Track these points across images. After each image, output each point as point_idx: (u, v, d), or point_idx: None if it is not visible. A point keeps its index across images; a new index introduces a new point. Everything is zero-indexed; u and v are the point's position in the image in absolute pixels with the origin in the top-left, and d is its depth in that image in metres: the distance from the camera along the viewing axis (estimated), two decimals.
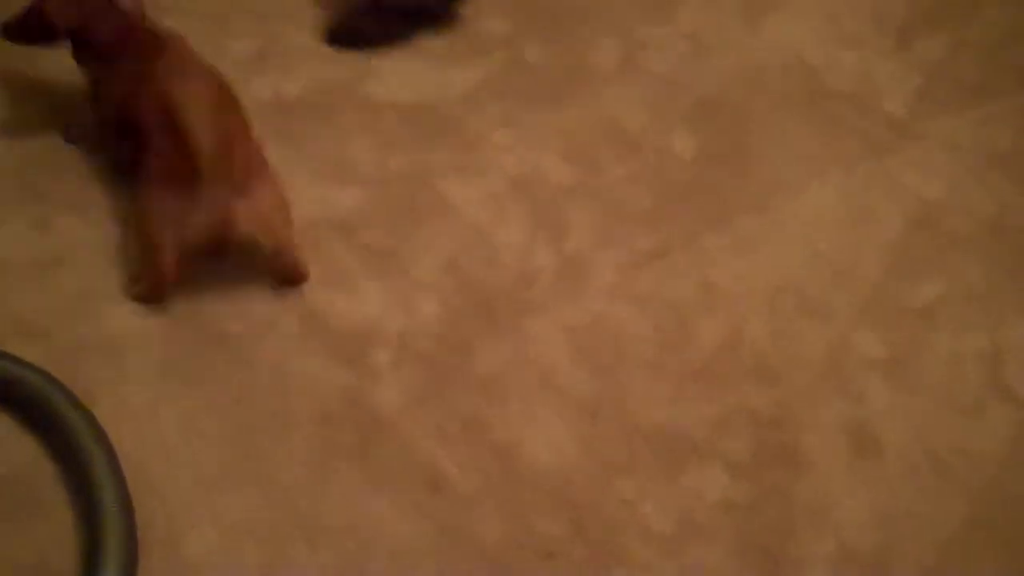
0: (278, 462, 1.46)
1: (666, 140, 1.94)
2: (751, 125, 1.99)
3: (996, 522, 1.54)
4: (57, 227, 1.66)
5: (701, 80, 2.05)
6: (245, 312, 1.59)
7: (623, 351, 1.64)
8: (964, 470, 1.58)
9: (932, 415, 1.64)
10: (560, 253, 1.75)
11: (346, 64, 1.96)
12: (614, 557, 1.44)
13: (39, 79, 1.82)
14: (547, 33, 2.10)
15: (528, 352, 1.62)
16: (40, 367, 1.43)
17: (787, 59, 2.12)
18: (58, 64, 1.73)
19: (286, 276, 1.63)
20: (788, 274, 1.77)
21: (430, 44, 2.04)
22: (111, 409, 1.44)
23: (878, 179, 1.94)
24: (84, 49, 1.65)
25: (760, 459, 1.55)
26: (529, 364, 1.61)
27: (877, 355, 1.70)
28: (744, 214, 1.84)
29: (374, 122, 1.87)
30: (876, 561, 1.48)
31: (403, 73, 1.98)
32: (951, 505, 1.55)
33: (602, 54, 2.08)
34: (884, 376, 1.67)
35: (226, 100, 1.59)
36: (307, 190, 1.72)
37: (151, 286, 1.58)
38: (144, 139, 1.54)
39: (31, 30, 1.62)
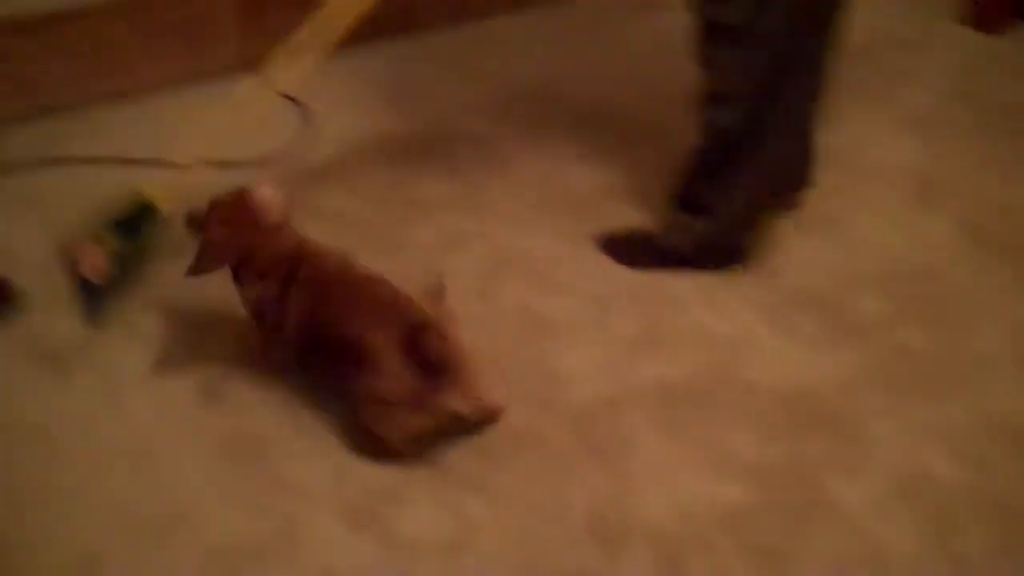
0: None
1: None
2: None
3: None
4: None
5: None
6: None
7: None
8: None
9: None
10: (954, 560, 1.68)
11: (726, 345, 2.03)
12: None
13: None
14: (926, 316, 2.10)
15: None
16: None
17: None
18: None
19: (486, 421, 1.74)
20: None
21: (805, 325, 2.09)
22: None
23: None
24: (246, 271, 1.75)
25: None
26: None
27: None
28: None
29: (753, 408, 1.91)
30: None
31: (780, 355, 2.02)
32: None
33: (988, 341, 2.05)
34: None
35: (404, 296, 1.70)
36: (692, 484, 1.77)
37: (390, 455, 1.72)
38: (345, 357, 1.67)
39: (207, 263, 1.74)
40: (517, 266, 2.14)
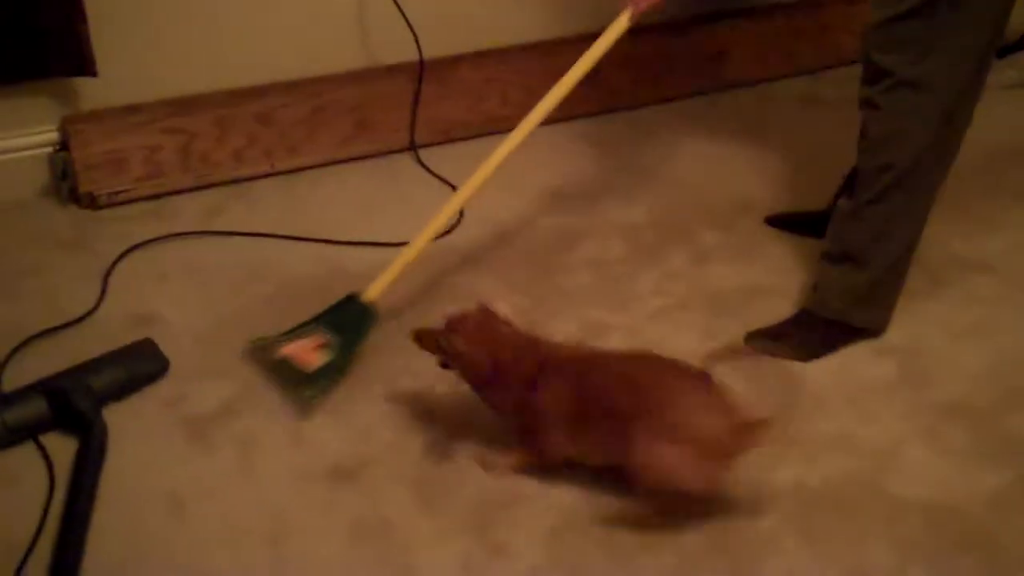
0: None
1: None
2: None
3: None
4: None
5: None
6: None
7: None
8: None
9: None
10: None
11: (868, 454, 1.98)
12: None
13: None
14: None
15: None
16: None
17: None
18: None
19: None
20: None
21: (955, 437, 2.03)
22: None
23: None
24: (497, 384, 1.80)
25: None
26: None
27: None
28: None
29: (895, 522, 1.85)
30: None
31: (927, 467, 1.96)
32: None
33: None
34: None
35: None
36: None
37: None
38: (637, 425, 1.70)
39: (468, 378, 1.82)
40: None
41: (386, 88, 2.82)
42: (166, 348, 2.08)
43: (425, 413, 1.99)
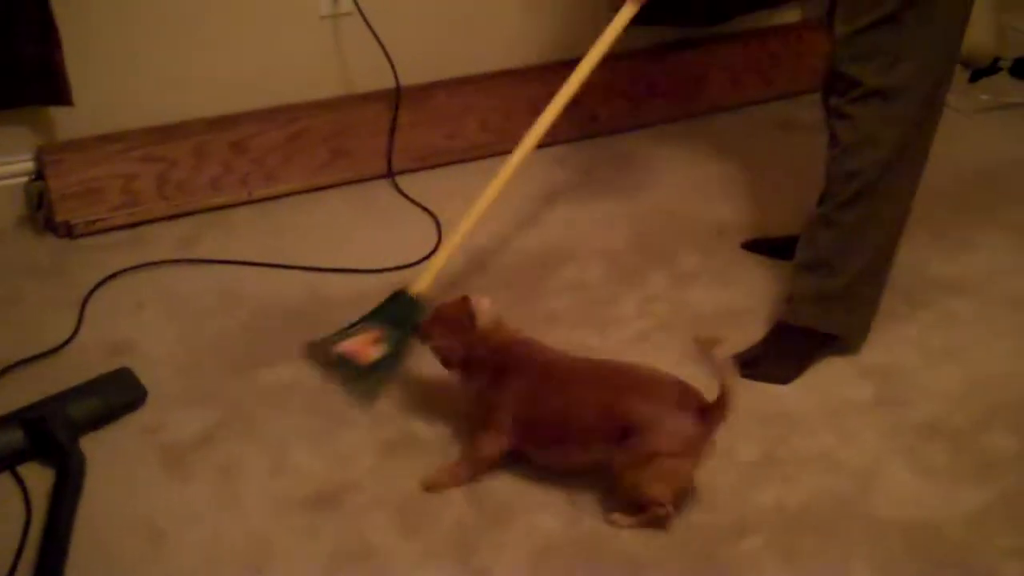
0: None
1: None
2: None
3: None
4: None
5: None
6: None
7: None
8: None
9: None
10: None
11: (849, 474, 1.99)
12: None
13: None
14: None
15: None
16: None
17: None
18: None
19: None
20: None
21: (933, 457, 2.04)
22: None
23: None
24: (470, 370, 1.87)
25: None
26: None
27: None
28: None
29: (877, 542, 1.85)
30: None
31: (906, 487, 1.97)
32: None
33: None
34: None
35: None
36: None
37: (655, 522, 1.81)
38: (589, 430, 1.80)
39: (444, 365, 1.90)
40: None
41: (363, 115, 2.83)
42: (144, 377, 2.07)
43: (406, 437, 1.97)
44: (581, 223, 2.69)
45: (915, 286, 2.44)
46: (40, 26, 2.32)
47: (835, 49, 2.00)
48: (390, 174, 2.86)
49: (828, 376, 2.19)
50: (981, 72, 3.45)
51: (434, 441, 1.97)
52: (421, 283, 2.14)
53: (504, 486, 1.89)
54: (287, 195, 2.75)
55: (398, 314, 2.11)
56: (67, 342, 2.19)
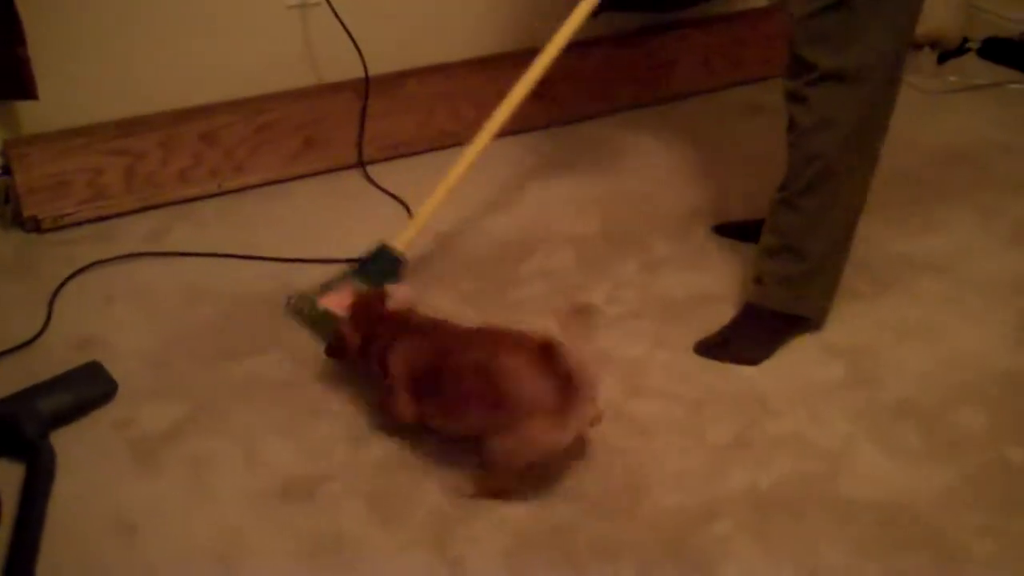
0: None
1: None
2: None
3: None
4: None
5: None
6: None
7: None
8: None
9: None
10: None
11: (819, 455, 2.00)
12: None
13: None
14: None
15: None
16: None
17: None
18: None
19: None
20: None
21: (903, 436, 2.06)
22: None
23: None
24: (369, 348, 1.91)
25: None
26: None
27: None
28: None
29: (848, 522, 1.86)
30: None
31: (877, 467, 1.98)
32: None
33: None
34: None
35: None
36: None
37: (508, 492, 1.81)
38: (469, 389, 1.79)
39: (339, 350, 1.96)
40: (611, 369, 2.13)
41: (332, 105, 2.82)
42: (114, 370, 2.06)
43: (379, 428, 1.97)
44: (551, 209, 2.69)
45: (883, 266, 2.46)
46: (4, 20, 2.30)
47: (791, 32, 2.00)
48: (361, 164, 2.85)
49: (797, 357, 2.21)
50: (949, 53, 3.47)
51: (407, 431, 1.95)
52: (404, 237, 2.18)
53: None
54: (257, 186, 2.74)
55: (382, 269, 2.15)
56: (36, 337, 2.18)
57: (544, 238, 2.57)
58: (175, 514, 1.82)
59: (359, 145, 2.84)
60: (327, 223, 2.62)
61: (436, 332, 1.88)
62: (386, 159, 2.89)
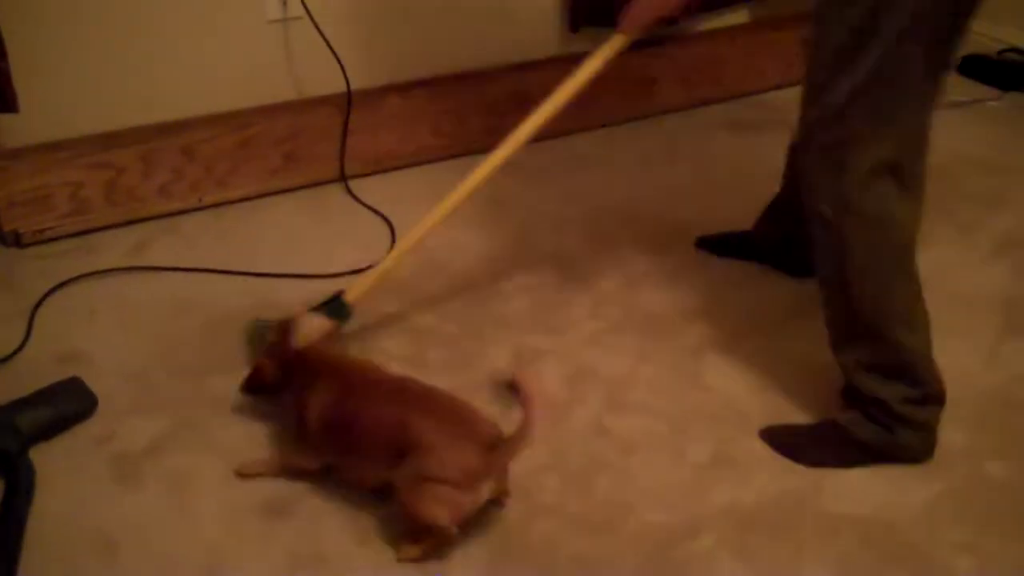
0: None
1: None
2: None
3: None
4: None
5: None
6: None
7: None
8: None
9: None
10: None
11: (801, 472, 2.00)
12: None
13: None
14: (1007, 449, 2.07)
15: None
16: None
17: None
18: None
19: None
20: None
21: None
22: None
23: None
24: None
25: None
26: None
27: None
28: None
29: (830, 539, 1.87)
30: None
31: (858, 483, 1.98)
32: None
33: None
34: None
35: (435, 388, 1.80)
36: None
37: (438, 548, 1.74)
38: (380, 445, 1.75)
39: (256, 386, 1.93)
40: (592, 385, 2.14)
41: (314, 120, 2.82)
42: (94, 386, 2.05)
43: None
44: (533, 224, 2.69)
45: None
46: None
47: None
48: (343, 178, 2.85)
49: (780, 375, 2.20)
50: None
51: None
52: (356, 289, 2.12)
53: None
54: (239, 201, 2.74)
55: (329, 314, 2.10)
56: (16, 351, 2.17)
57: (526, 254, 2.57)
58: (156, 530, 1.81)
59: (341, 160, 2.84)
60: (309, 238, 2.62)
61: (350, 378, 1.84)
62: (368, 174, 2.89)
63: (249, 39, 2.69)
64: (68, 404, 1.99)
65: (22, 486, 1.80)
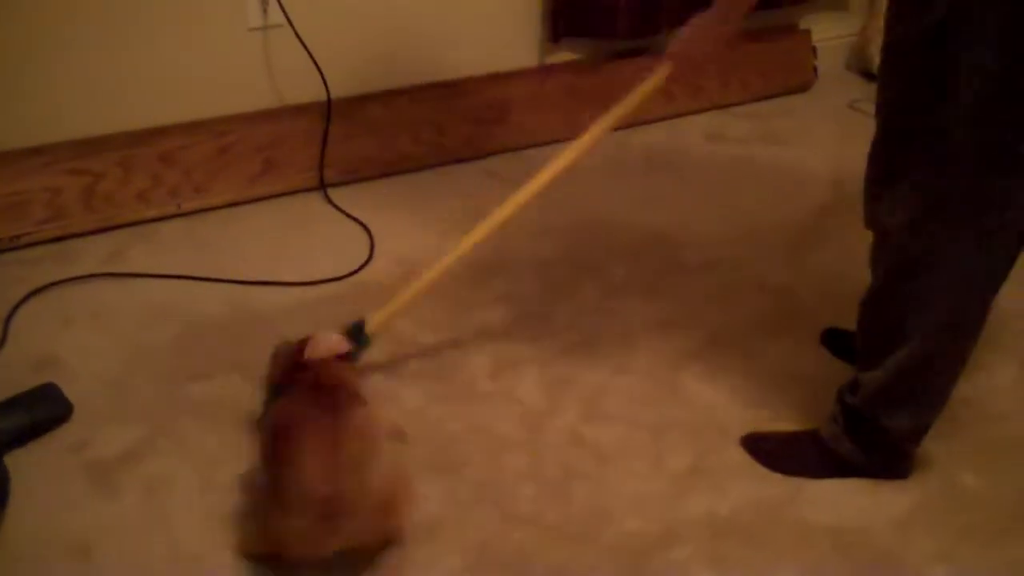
0: None
1: None
2: None
3: None
4: None
5: None
6: None
7: None
8: None
9: None
10: None
11: (777, 481, 2.01)
12: None
13: None
14: (982, 459, 2.07)
15: None
16: None
17: None
18: None
19: None
20: None
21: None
22: None
23: None
24: None
25: None
26: None
27: None
28: None
29: (805, 547, 1.87)
30: None
31: (833, 492, 1.99)
32: None
33: None
34: None
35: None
36: None
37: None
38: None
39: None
40: (570, 394, 2.14)
41: (294, 127, 2.82)
42: (70, 392, 2.03)
43: None
44: (512, 234, 2.69)
45: (841, 294, 2.47)
46: None
47: None
48: (322, 186, 2.85)
49: (756, 384, 2.20)
50: None
51: None
52: (376, 319, 2.08)
53: (435, 499, 1.88)
54: (218, 208, 2.73)
55: (349, 335, 2.07)
56: None
57: (506, 263, 2.57)
58: (131, 537, 1.80)
59: (320, 168, 2.84)
60: (287, 245, 2.62)
61: (312, 388, 1.75)
62: (347, 182, 2.89)
63: (230, 46, 2.69)
64: (43, 410, 1.98)
65: None
